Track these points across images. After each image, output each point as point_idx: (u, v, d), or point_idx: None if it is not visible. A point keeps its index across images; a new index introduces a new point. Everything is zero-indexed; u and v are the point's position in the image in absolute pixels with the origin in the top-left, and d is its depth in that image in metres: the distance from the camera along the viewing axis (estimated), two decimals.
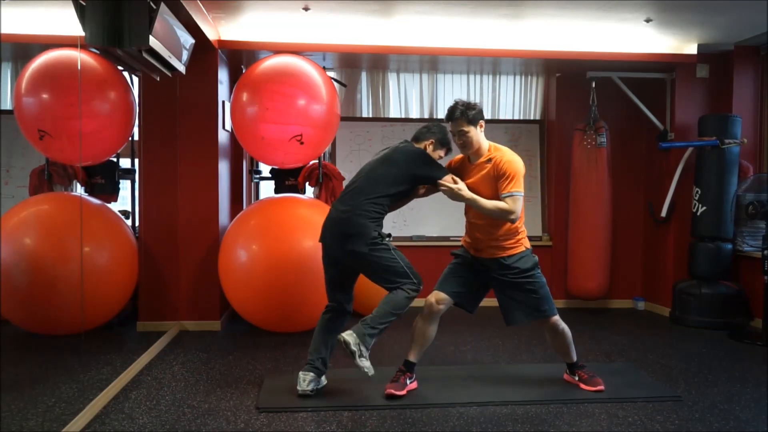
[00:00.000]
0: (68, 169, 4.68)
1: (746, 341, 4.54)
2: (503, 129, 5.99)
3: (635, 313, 5.63)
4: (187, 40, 4.02)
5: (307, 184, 5.14)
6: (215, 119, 4.74)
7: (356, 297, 3.48)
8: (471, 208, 3.30)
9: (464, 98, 3.44)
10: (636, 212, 5.83)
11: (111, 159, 4.80)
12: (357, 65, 5.79)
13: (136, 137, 4.78)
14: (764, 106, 5.33)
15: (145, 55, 3.46)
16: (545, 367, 3.85)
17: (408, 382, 3.35)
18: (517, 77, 6.06)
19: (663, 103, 5.55)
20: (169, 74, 4.00)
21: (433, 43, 5.00)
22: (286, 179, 5.14)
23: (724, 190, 5.02)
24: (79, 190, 4.79)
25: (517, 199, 3.16)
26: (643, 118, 5.60)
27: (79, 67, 4.06)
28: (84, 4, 3.21)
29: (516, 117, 6.10)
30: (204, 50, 4.53)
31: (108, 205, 4.72)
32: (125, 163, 5.00)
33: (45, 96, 4.19)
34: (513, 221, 3.21)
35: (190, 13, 3.84)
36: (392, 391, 3.26)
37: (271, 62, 4.75)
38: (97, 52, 4.13)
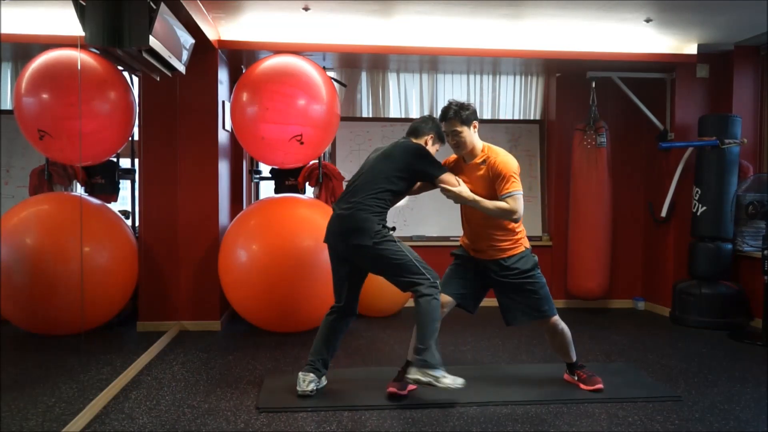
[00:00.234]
0: (68, 169, 4.68)
1: (746, 341, 4.54)
2: (503, 129, 5.99)
3: (635, 313, 5.63)
4: (187, 40, 4.02)
5: (307, 184, 5.14)
6: (215, 119, 4.74)
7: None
8: (468, 209, 3.29)
9: (464, 98, 3.44)
10: (636, 212, 5.83)
11: (111, 159, 4.80)
12: (357, 65, 5.79)
13: (136, 137, 4.78)
14: (764, 106, 5.33)
15: (145, 55, 3.46)
16: (545, 367, 3.85)
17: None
18: (517, 77, 6.06)
19: (663, 103, 5.55)
20: (169, 74, 4.00)
21: (433, 43, 5.00)
22: (286, 179, 5.14)
23: (724, 190, 5.02)
24: (79, 190, 4.79)
25: (518, 198, 3.15)
26: (643, 118, 5.60)
27: (79, 67, 4.06)
28: (84, 4, 3.21)
29: (516, 117, 6.10)
30: (204, 50, 4.53)
31: (108, 205, 4.72)
32: (125, 163, 5.00)
33: (45, 96, 4.19)
34: (516, 221, 3.20)
35: (190, 13, 3.84)
36: (394, 390, 3.26)
37: (271, 62, 4.75)
38: (97, 52, 4.13)
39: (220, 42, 4.77)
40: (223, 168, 4.91)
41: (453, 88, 6.00)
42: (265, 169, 5.49)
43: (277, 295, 4.31)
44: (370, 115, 5.97)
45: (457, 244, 3.54)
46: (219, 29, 4.73)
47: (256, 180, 5.64)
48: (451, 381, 3.13)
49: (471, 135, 3.26)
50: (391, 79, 5.96)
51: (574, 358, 3.47)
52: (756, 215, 4.88)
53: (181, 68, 3.99)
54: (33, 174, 4.63)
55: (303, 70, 4.69)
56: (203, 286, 4.74)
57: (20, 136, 4.25)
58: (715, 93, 5.40)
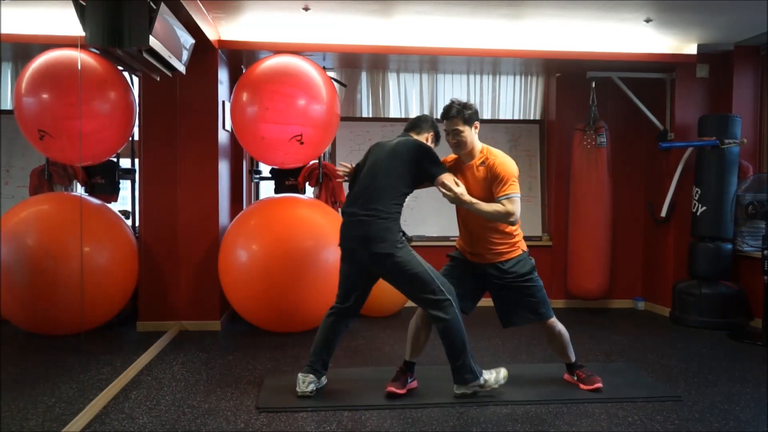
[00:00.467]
0: (68, 169, 4.68)
1: (746, 341, 4.54)
2: (503, 129, 5.99)
3: (635, 313, 5.63)
4: (187, 40, 4.02)
5: (307, 184, 5.14)
6: (215, 119, 4.74)
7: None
8: (465, 211, 3.25)
9: (464, 98, 3.43)
10: (636, 212, 5.83)
11: (111, 159, 4.80)
12: (357, 65, 5.79)
13: (136, 137, 4.78)
14: (764, 106, 5.33)
15: (145, 55, 3.46)
16: (545, 367, 3.85)
17: (408, 380, 3.36)
18: (517, 77, 6.06)
19: (663, 103, 5.55)
20: (169, 74, 4.00)
21: (433, 43, 5.00)
22: (286, 179, 5.14)
23: (724, 190, 5.02)
24: (79, 190, 4.79)
25: (515, 201, 3.13)
26: (643, 118, 5.60)
27: (79, 67, 4.06)
28: (84, 4, 3.21)
29: (516, 117, 6.10)
30: (204, 50, 4.53)
31: (108, 205, 4.72)
32: (125, 163, 5.00)
33: (45, 96, 4.19)
34: (512, 223, 3.19)
35: (190, 13, 3.84)
36: (393, 389, 3.26)
37: (271, 62, 4.75)
38: (97, 52, 4.13)
39: (220, 42, 4.77)
40: (223, 168, 4.91)
41: (453, 88, 5.99)
42: (265, 169, 5.49)
43: (277, 295, 4.31)
44: (370, 115, 5.97)
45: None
46: (219, 29, 4.73)
47: (256, 180, 5.64)
48: (494, 381, 3.27)
49: (472, 135, 3.25)
50: (391, 79, 5.96)
51: (573, 359, 3.48)
52: (756, 215, 4.88)
53: (181, 68, 3.99)
54: (33, 174, 4.63)
55: (303, 70, 4.69)
56: (203, 286, 4.74)
57: (20, 136, 4.25)
58: (715, 93, 5.40)
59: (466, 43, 5.02)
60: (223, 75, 4.93)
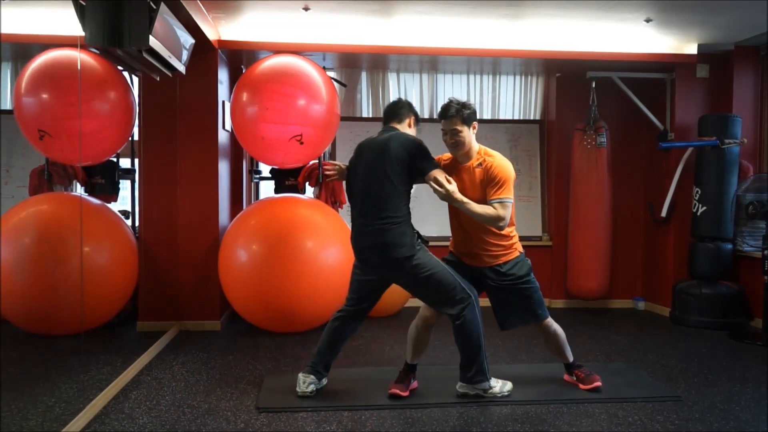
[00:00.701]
0: (68, 169, 4.68)
1: (746, 341, 4.54)
2: (503, 129, 5.99)
3: (635, 313, 5.63)
4: (187, 40, 4.02)
5: (307, 184, 5.14)
6: (215, 119, 4.74)
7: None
8: (460, 213, 3.21)
9: (464, 98, 3.40)
10: (636, 212, 5.83)
11: (111, 159, 4.80)
12: (357, 65, 5.79)
13: (136, 137, 4.78)
14: (764, 106, 5.33)
15: (145, 55, 3.46)
16: (545, 367, 3.85)
17: (411, 382, 3.37)
18: (517, 77, 6.06)
19: (663, 103, 5.55)
20: (169, 74, 4.00)
21: (433, 43, 5.00)
22: (286, 179, 5.14)
23: (724, 190, 5.02)
24: (79, 190, 4.79)
25: (507, 206, 3.11)
26: (643, 118, 5.60)
27: (79, 67, 4.06)
28: (84, 4, 3.21)
29: (516, 117, 6.10)
30: (204, 50, 4.53)
31: (108, 205, 4.73)
32: (125, 163, 5.00)
33: (45, 96, 4.19)
34: (501, 228, 3.16)
35: (190, 13, 3.84)
36: (397, 391, 3.26)
37: (271, 62, 4.75)
38: (97, 52, 4.13)
39: (220, 42, 4.78)
40: (223, 168, 4.91)
41: (453, 88, 5.99)
42: (265, 169, 5.49)
43: (277, 295, 4.31)
44: (370, 115, 5.97)
45: None
46: (219, 29, 4.73)
47: (256, 180, 5.64)
48: (498, 389, 3.27)
49: (470, 135, 3.21)
50: (391, 79, 5.96)
51: (571, 359, 3.48)
52: (756, 215, 4.88)
53: (181, 68, 3.99)
54: (33, 174, 4.63)
55: (303, 70, 4.69)
56: (203, 286, 4.74)
57: (20, 136, 4.25)
58: (715, 93, 5.40)
59: (466, 43, 5.02)
60: (223, 75, 4.94)
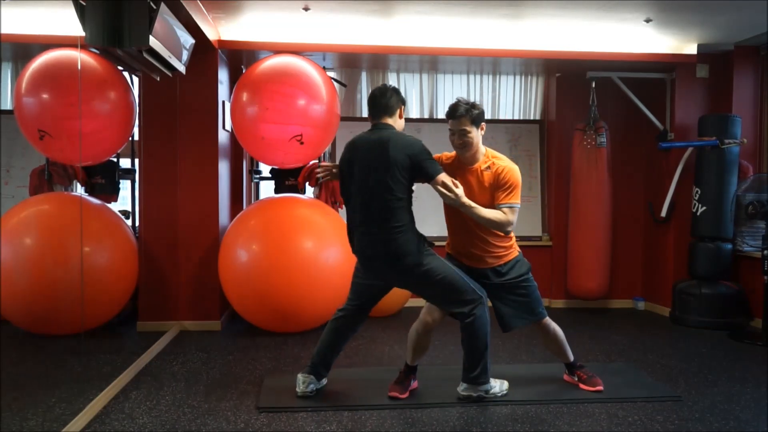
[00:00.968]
0: (68, 169, 4.68)
1: (746, 341, 4.54)
2: (503, 129, 5.99)
3: (635, 313, 5.63)
4: (187, 40, 4.02)
5: (307, 184, 5.14)
6: (215, 119, 4.74)
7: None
8: (463, 216, 3.17)
9: (464, 98, 3.37)
10: (636, 212, 5.83)
11: (111, 159, 4.80)
12: (357, 65, 5.79)
13: (136, 137, 4.78)
14: (764, 106, 5.33)
15: (145, 55, 3.46)
16: (545, 367, 3.85)
17: (411, 382, 3.37)
18: (517, 77, 6.06)
19: (663, 103, 5.55)
20: (169, 74, 4.00)
21: (433, 43, 4.99)
22: (286, 179, 5.14)
23: (724, 190, 5.02)
24: (79, 190, 4.79)
25: (516, 211, 3.11)
26: (643, 118, 5.60)
27: (79, 67, 4.06)
28: (84, 4, 3.21)
29: (516, 117, 6.10)
30: (204, 50, 4.53)
31: (108, 205, 4.73)
32: (125, 163, 5.00)
33: (45, 96, 4.19)
34: (507, 233, 3.16)
35: (190, 13, 3.84)
36: (396, 394, 3.26)
37: (271, 62, 4.76)
38: (97, 52, 4.13)
39: (220, 42, 4.78)
40: (223, 168, 4.91)
41: (453, 88, 5.99)
42: (265, 169, 5.49)
43: (277, 295, 4.31)
44: None
45: None
46: (219, 29, 4.73)
47: (256, 180, 5.64)
48: (498, 389, 3.27)
49: (478, 136, 3.17)
50: (391, 79, 5.96)
51: (572, 358, 3.47)
52: (756, 215, 4.88)
53: (181, 68, 3.99)
54: (33, 174, 4.63)
55: (303, 70, 4.69)
56: (203, 286, 4.74)
57: (20, 136, 4.25)
58: (715, 93, 5.40)
59: (466, 43, 5.02)
60: (223, 75, 4.94)
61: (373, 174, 3.07)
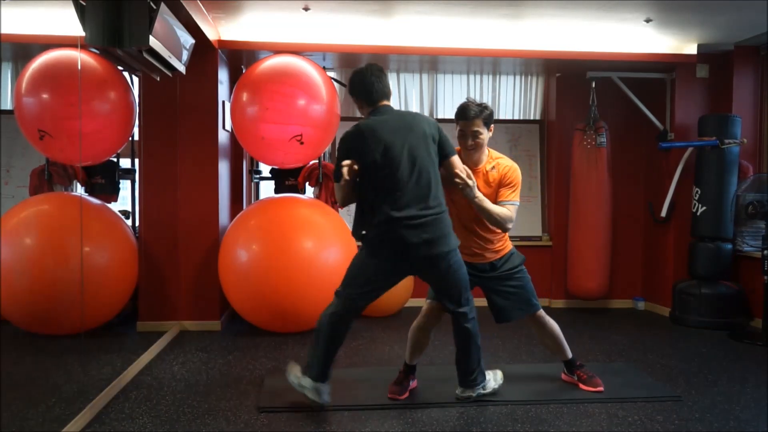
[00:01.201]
0: (68, 169, 4.68)
1: (746, 341, 4.54)
2: (503, 129, 5.98)
3: (635, 313, 5.63)
4: (187, 40, 4.02)
5: (307, 184, 5.14)
6: (215, 119, 4.74)
7: None
8: (462, 209, 3.20)
9: (464, 98, 3.39)
10: (636, 212, 5.83)
11: (111, 159, 4.80)
12: (357, 65, 5.77)
13: (136, 137, 4.78)
14: (764, 106, 5.33)
15: (145, 55, 3.46)
16: (545, 367, 3.84)
17: (410, 383, 3.37)
18: (517, 77, 6.06)
19: (663, 103, 5.55)
20: (169, 74, 4.00)
21: (433, 43, 4.99)
22: (286, 179, 5.14)
23: (724, 190, 5.02)
24: (79, 190, 4.79)
25: (516, 209, 3.19)
26: (643, 118, 5.60)
27: (79, 67, 4.06)
28: (84, 4, 3.21)
29: (516, 117, 6.10)
30: (204, 50, 4.53)
31: (108, 205, 4.72)
32: (125, 163, 5.00)
33: (45, 96, 4.19)
34: (508, 230, 3.21)
35: (190, 13, 3.84)
36: (395, 396, 3.26)
37: (271, 62, 4.75)
38: (97, 52, 4.13)
39: (220, 42, 4.77)
40: (223, 168, 4.91)
41: (453, 88, 5.99)
42: (265, 169, 5.49)
43: (277, 295, 4.31)
44: None
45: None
46: (219, 29, 4.73)
47: (256, 180, 5.64)
48: (494, 383, 3.29)
49: (487, 137, 3.21)
50: (391, 79, 5.95)
51: (570, 355, 3.47)
52: (756, 215, 4.88)
53: (181, 68, 3.99)
54: (33, 174, 4.63)
55: (303, 70, 4.69)
56: (203, 286, 4.74)
57: (20, 136, 4.25)
58: (715, 93, 5.40)
59: (466, 43, 5.02)
60: (223, 75, 4.94)
61: (414, 150, 2.93)
